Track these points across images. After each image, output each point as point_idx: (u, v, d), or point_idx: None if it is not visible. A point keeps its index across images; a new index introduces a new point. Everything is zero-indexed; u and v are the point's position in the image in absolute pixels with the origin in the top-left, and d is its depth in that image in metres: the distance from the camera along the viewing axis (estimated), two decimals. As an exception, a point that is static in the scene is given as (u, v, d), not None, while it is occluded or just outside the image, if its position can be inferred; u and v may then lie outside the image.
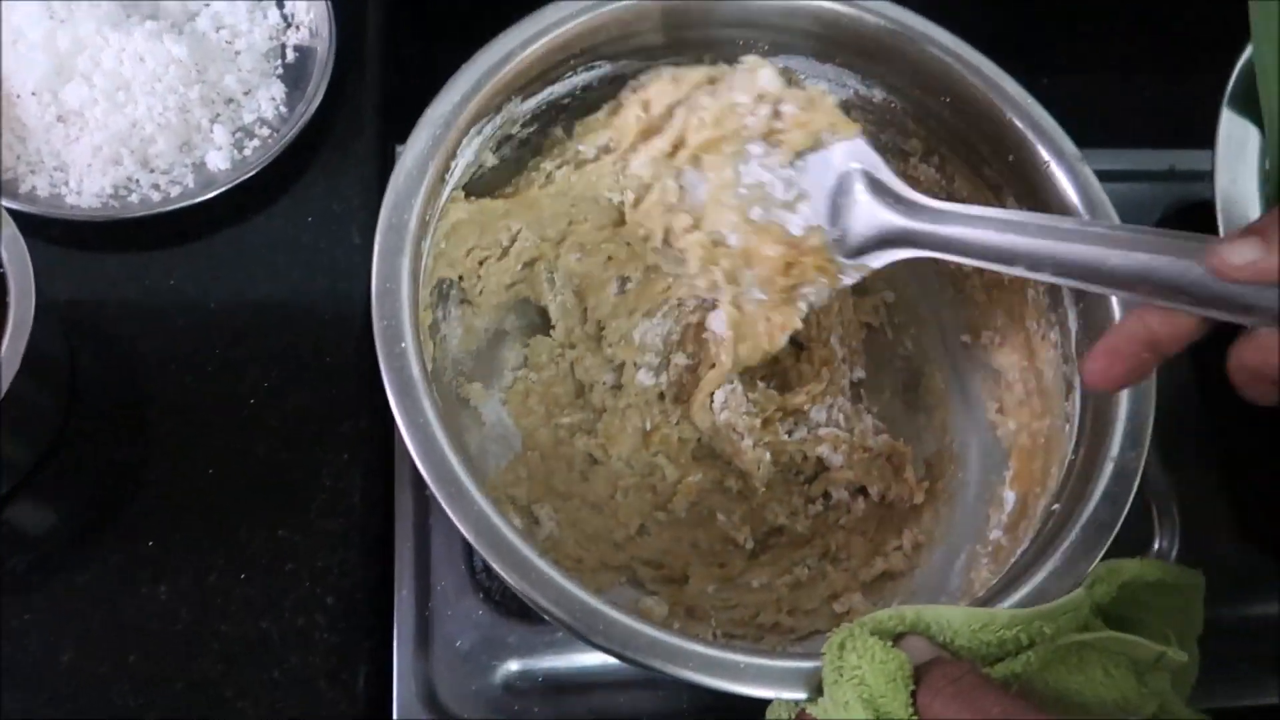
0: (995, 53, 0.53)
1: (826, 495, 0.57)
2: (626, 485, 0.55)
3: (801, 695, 0.38)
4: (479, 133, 0.50)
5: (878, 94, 0.55)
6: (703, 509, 0.56)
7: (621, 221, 0.54)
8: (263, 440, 0.52)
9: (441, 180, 0.47)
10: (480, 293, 0.54)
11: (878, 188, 0.47)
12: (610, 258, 0.57)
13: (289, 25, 0.60)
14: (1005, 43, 0.56)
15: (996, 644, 0.39)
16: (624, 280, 0.57)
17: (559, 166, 0.54)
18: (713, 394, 0.56)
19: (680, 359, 0.58)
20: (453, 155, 0.48)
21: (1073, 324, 0.50)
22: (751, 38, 0.54)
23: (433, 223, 0.47)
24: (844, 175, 0.47)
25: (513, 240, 0.54)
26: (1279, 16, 0.53)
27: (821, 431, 0.57)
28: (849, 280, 0.48)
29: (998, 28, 0.60)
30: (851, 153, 0.47)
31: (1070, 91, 0.72)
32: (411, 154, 0.46)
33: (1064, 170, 0.49)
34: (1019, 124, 0.50)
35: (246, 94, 0.58)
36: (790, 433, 0.58)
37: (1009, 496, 0.50)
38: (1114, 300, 0.47)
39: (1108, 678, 0.39)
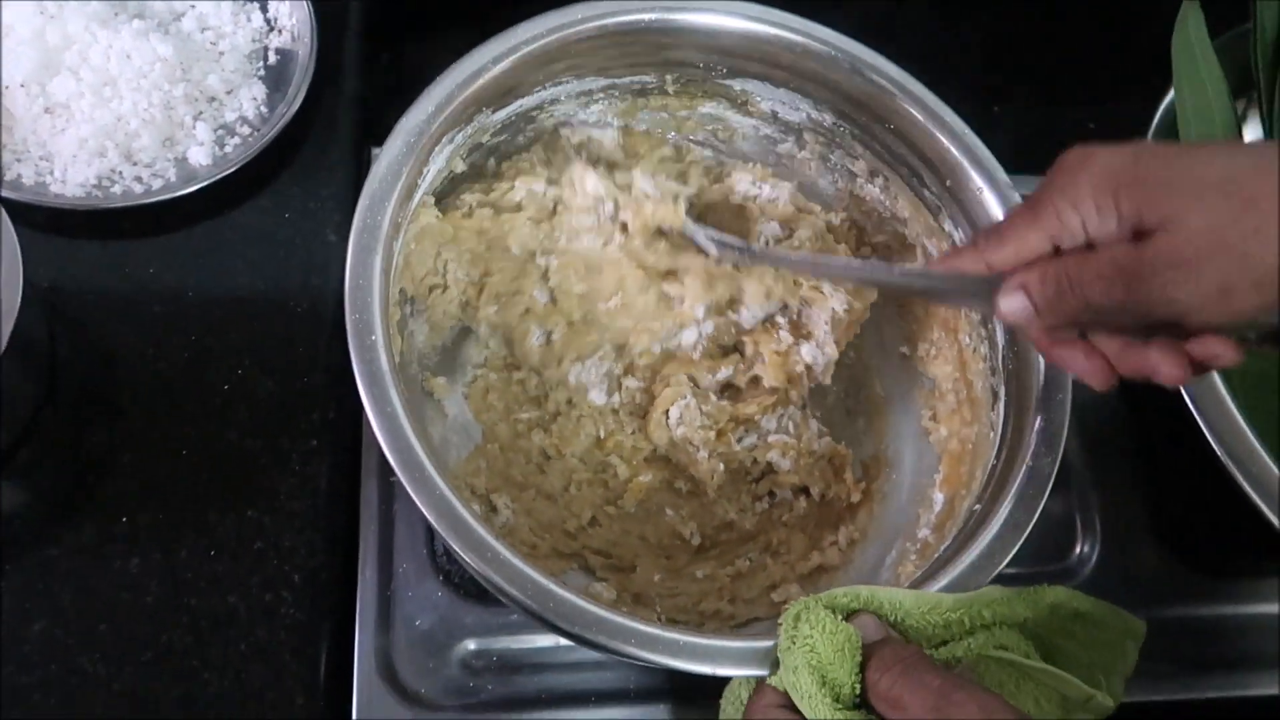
0: (944, 81, 0.57)
1: (771, 494, 0.60)
2: (580, 479, 0.58)
3: (738, 671, 0.42)
4: (451, 141, 0.53)
5: (828, 118, 0.58)
6: (652, 505, 0.59)
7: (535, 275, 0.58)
8: (234, 426, 0.54)
9: (414, 185, 0.50)
10: (430, 313, 0.57)
11: None
12: (528, 310, 0.58)
13: (271, 29, 0.63)
14: (959, 73, 0.59)
15: (943, 625, 0.42)
16: (548, 333, 0.59)
17: (480, 204, 0.57)
18: (668, 410, 0.59)
19: (631, 383, 0.60)
20: (425, 162, 0.51)
21: (1000, 339, 0.53)
22: (712, 61, 0.58)
23: (404, 225, 0.50)
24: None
25: (443, 274, 0.56)
26: (1195, 66, 0.57)
27: (771, 438, 0.60)
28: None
29: (948, 57, 0.64)
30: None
31: (1013, 117, 0.77)
32: (387, 159, 0.49)
33: (995, 196, 0.53)
34: (955, 152, 0.54)
35: (229, 93, 0.60)
36: (741, 439, 0.60)
37: (938, 498, 0.54)
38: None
39: (1036, 707, 0.42)
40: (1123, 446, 0.65)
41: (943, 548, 0.49)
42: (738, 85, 0.59)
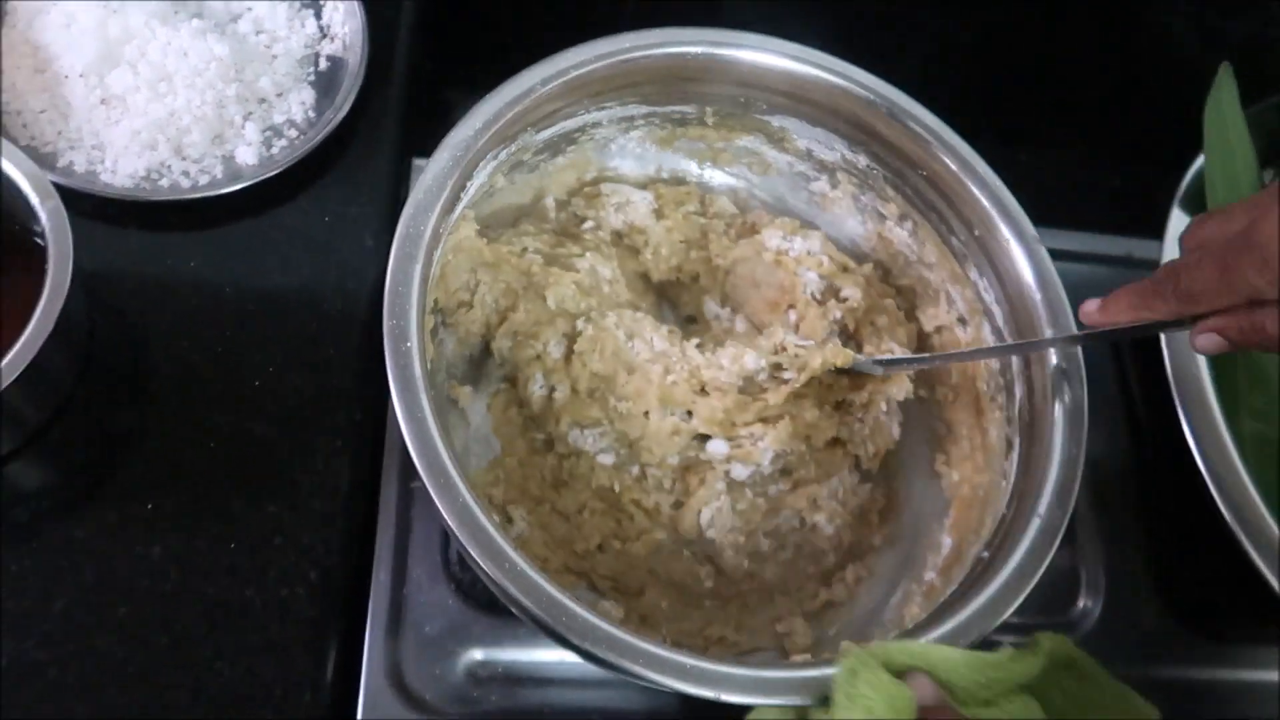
0: (979, 126, 0.58)
1: (799, 546, 0.59)
2: (593, 508, 0.57)
3: (743, 699, 0.42)
4: (495, 157, 0.54)
5: (862, 160, 0.60)
6: (666, 549, 0.57)
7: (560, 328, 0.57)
8: (261, 420, 0.55)
9: (457, 198, 0.51)
10: (457, 327, 0.57)
11: None
12: (538, 356, 0.57)
13: (324, 35, 0.64)
14: (989, 117, 0.60)
15: (986, 684, 0.43)
16: (551, 387, 0.57)
17: (537, 251, 0.57)
18: (700, 510, 0.56)
19: (654, 471, 0.57)
20: (469, 176, 0.52)
21: (1018, 390, 0.54)
22: (751, 96, 0.59)
23: (444, 235, 0.51)
24: None
25: (472, 293, 0.57)
26: (1226, 133, 0.58)
27: (821, 502, 0.58)
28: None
29: (985, 103, 0.65)
30: None
31: (1044, 169, 0.78)
32: (433, 170, 0.50)
33: (1022, 249, 0.54)
34: (986, 203, 0.55)
35: (279, 96, 0.62)
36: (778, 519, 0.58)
37: (946, 541, 0.55)
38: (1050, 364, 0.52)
39: None
40: (1131, 504, 0.66)
41: (948, 592, 0.50)
42: (776, 121, 0.60)
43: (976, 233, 0.56)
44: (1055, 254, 0.55)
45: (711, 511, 0.55)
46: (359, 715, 0.51)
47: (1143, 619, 0.63)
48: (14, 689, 0.47)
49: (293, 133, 0.61)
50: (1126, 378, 0.69)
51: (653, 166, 0.63)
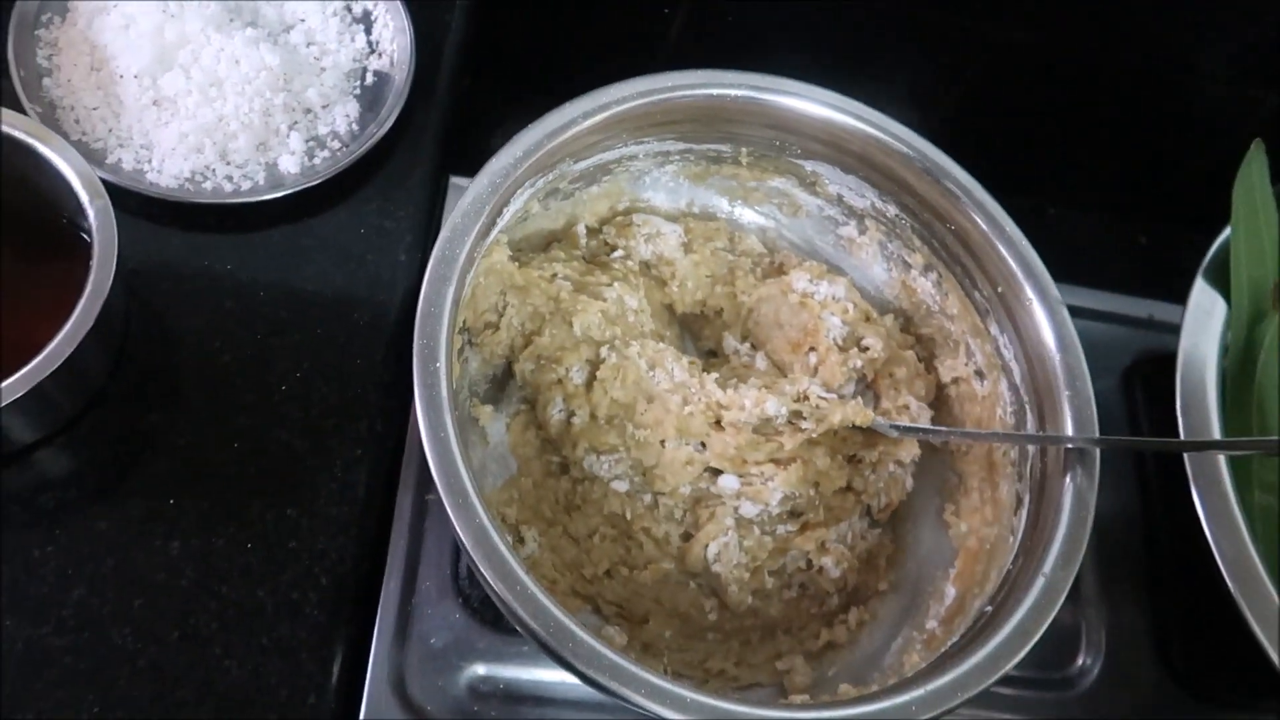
0: (1009, 181, 0.59)
1: (803, 585, 0.59)
2: (604, 533, 0.58)
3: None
4: (532, 185, 0.55)
5: (891, 209, 0.61)
6: (673, 579, 0.57)
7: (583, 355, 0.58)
8: (285, 425, 0.56)
9: (493, 224, 0.52)
10: (482, 348, 0.58)
11: None
12: (559, 381, 0.57)
13: (372, 51, 0.66)
14: (1020, 173, 0.61)
15: None
16: (570, 412, 0.57)
17: (566, 278, 0.58)
18: (707, 544, 0.56)
19: (666, 501, 0.57)
20: (506, 202, 0.53)
21: (1031, 447, 0.55)
22: (786, 140, 0.60)
23: (478, 259, 0.52)
24: None
25: (500, 314, 0.57)
26: (1254, 208, 0.59)
27: (829, 545, 0.58)
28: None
29: (1017, 159, 0.65)
30: None
31: (1072, 226, 0.78)
32: (472, 195, 0.51)
33: (1044, 310, 0.55)
34: (1012, 262, 0.56)
35: (324, 107, 0.63)
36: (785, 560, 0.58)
37: (950, 591, 0.55)
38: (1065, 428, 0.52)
39: None
40: (1136, 567, 0.66)
41: (950, 642, 0.50)
42: (809, 166, 0.61)
43: (1000, 290, 0.57)
44: (1077, 311, 0.56)
45: (718, 546, 0.56)
46: (360, 722, 0.52)
47: (1141, 680, 0.63)
48: (27, 673, 0.48)
49: (335, 144, 0.62)
50: (1140, 442, 0.69)
51: (684, 200, 0.64)
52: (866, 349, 0.60)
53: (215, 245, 0.60)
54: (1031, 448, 0.55)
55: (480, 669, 0.54)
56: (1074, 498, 0.51)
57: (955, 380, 0.61)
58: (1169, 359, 0.62)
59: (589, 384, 0.57)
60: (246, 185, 0.60)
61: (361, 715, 0.52)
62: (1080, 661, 0.63)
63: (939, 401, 0.62)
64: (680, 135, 0.60)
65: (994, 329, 0.58)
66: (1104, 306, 0.73)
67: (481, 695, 0.54)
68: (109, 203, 0.50)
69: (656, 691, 0.43)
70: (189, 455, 0.55)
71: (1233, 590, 0.56)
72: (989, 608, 0.50)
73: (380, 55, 0.66)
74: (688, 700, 0.43)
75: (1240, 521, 0.57)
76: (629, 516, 0.56)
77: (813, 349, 0.60)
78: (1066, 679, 0.62)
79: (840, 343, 0.60)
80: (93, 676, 0.49)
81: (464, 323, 0.56)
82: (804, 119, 0.58)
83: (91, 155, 0.58)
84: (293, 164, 0.61)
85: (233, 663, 0.50)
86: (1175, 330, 0.63)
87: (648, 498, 0.57)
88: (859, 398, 0.59)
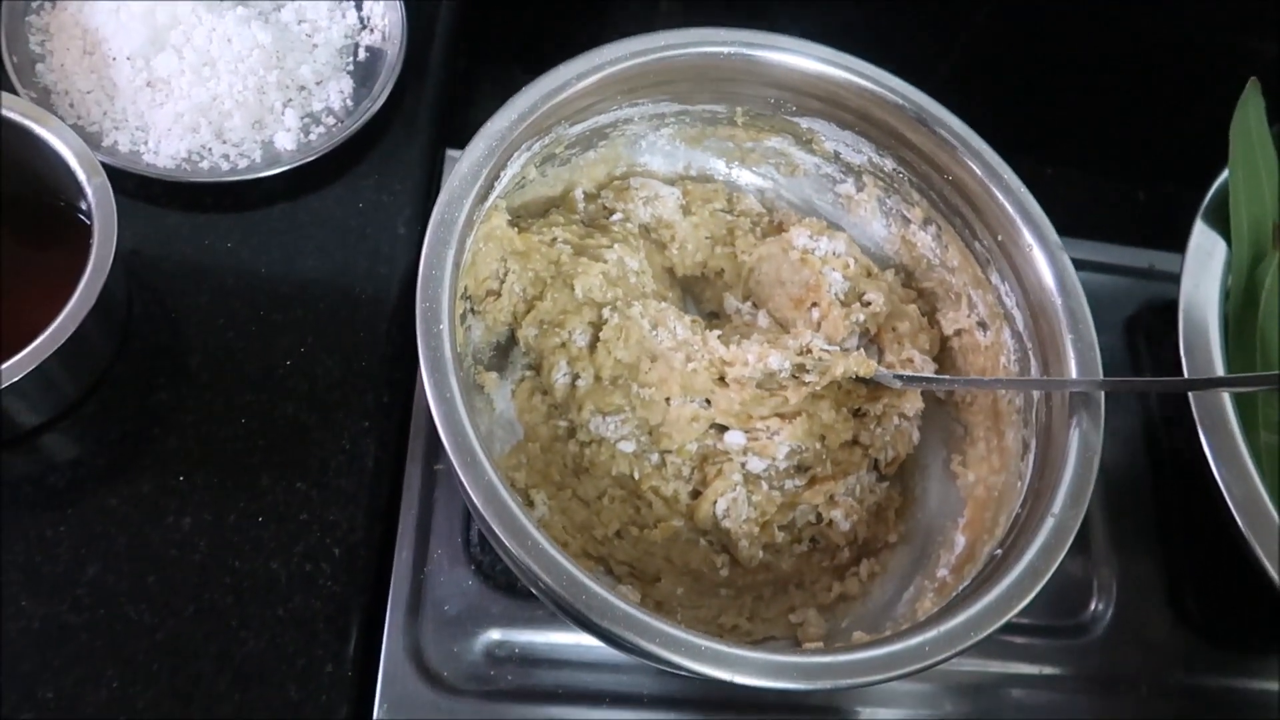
0: (1006, 139, 0.58)
1: (814, 539, 0.59)
2: (613, 495, 0.58)
3: (756, 681, 0.43)
4: (529, 149, 0.55)
5: (889, 163, 0.61)
6: (683, 537, 0.58)
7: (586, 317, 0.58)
8: (292, 399, 0.56)
9: (490, 187, 0.52)
10: (484, 315, 0.58)
11: None
12: (563, 344, 0.57)
13: (364, 27, 0.66)
14: (1017, 131, 0.61)
15: None
16: (575, 375, 0.58)
17: (566, 242, 0.58)
18: (715, 500, 0.56)
19: (674, 460, 0.57)
20: (503, 166, 0.53)
21: (1035, 394, 0.55)
22: (781, 98, 0.60)
23: (477, 223, 0.52)
24: None
25: (501, 281, 0.57)
26: (1252, 149, 0.59)
27: (838, 499, 0.58)
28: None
29: (1013, 116, 0.65)
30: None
31: (1070, 182, 0.78)
32: (469, 159, 0.51)
33: (1045, 255, 0.55)
34: (1010, 208, 0.56)
35: (318, 84, 0.63)
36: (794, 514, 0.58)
37: (960, 540, 0.55)
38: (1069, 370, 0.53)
39: None
40: (1145, 512, 0.66)
41: (960, 588, 0.50)
42: (805, 123, 0.61)
43: (1000, 238, 0.57)
44: (1078, 264, 0.56)
45: (727, 502, 0.56)
46: (378, 689, 0.52)
47: (1154, 625, 0.63)
48: (45, 650, 0.49)
49: (330, 120, 0.62)
50: (1144, 387, 0.69)
51: (681, 164, 0.64)
52: (868, 304, 0.60)
53: (214, 224, 0.60)
54: (1036, 394, 0.55)
55: (495, 634, 0.54)
56: (1080, 440, 0.51)
57: (958, 332, 0.61)
58: (1171, 308, 0.62)
59: (592, 346, 0.57)
60: (243, 163, 0.60)
61: (379, 683, 0.52)
62: (1092, 608, 0.63)
63: (943, 354, 0.62)
64: (675, 96, 0.59)
65: (995, 278, 0.58)
66: (1104, 258, 0.73)
67: (497, 660, 0.54)
68: (107, 180, 0.50)
69: (671, 641, 0.43)
70: (197, 432, 0.55)
71: (1243, 529, 0.56)
72: (999, 551, 0.50)
73: (372, 30, 0.66)
74: (703, 649, 0.43)
75: (1248, 461, 0.57)
76: (637, 476, 0.56)
77: (815, 305, 0.60)
78: (1079, 625, 0.62)
79: (842, 298, 0.60)
80: (111, 652, 0.49)
81: (466, 290, 0.56)
82: (798, 75, 0.58)
83: (88, 138, 0.58)
84: (289, 141, 0.61)
85: (249, 634, 0.51)
86: (1176, 280, 0.63)
87: (655, 457, 0.57)
88: (862, 350, 0.59)
